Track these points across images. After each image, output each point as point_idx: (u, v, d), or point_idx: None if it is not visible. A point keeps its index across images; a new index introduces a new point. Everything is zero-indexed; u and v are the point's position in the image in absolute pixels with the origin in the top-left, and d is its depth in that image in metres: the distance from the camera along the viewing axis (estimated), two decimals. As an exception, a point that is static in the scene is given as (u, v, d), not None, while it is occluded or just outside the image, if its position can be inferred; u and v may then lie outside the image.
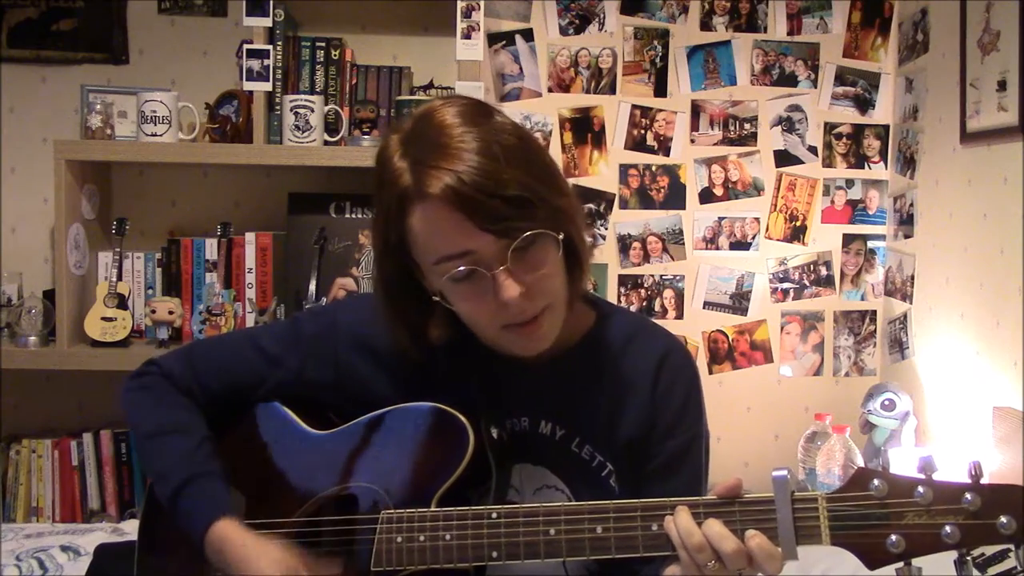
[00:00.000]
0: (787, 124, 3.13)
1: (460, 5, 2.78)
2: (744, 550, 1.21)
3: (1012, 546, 1.14)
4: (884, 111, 3.13)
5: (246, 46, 2.77)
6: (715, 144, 3.13)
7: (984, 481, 1.14)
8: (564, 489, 1.48)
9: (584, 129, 3.09)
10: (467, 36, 2.80)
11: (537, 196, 1.31)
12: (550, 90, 3.09)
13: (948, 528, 1.13)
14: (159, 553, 1.60)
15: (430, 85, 2.96)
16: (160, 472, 1.50)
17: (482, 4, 2.80)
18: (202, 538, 1.43)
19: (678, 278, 3.14)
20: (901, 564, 1.16)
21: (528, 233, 1.31)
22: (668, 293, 3.14)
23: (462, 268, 1.31)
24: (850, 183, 3.15)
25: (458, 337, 1.49)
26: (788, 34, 3.12)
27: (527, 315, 1.35)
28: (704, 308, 3.15)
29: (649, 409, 1.47)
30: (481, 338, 1.44)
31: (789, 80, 3.13)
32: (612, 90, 3.11)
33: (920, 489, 1.15)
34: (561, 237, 1.34)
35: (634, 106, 3.11)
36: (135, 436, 1.58)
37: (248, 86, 2.78)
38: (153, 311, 2.80)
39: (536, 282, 1.33)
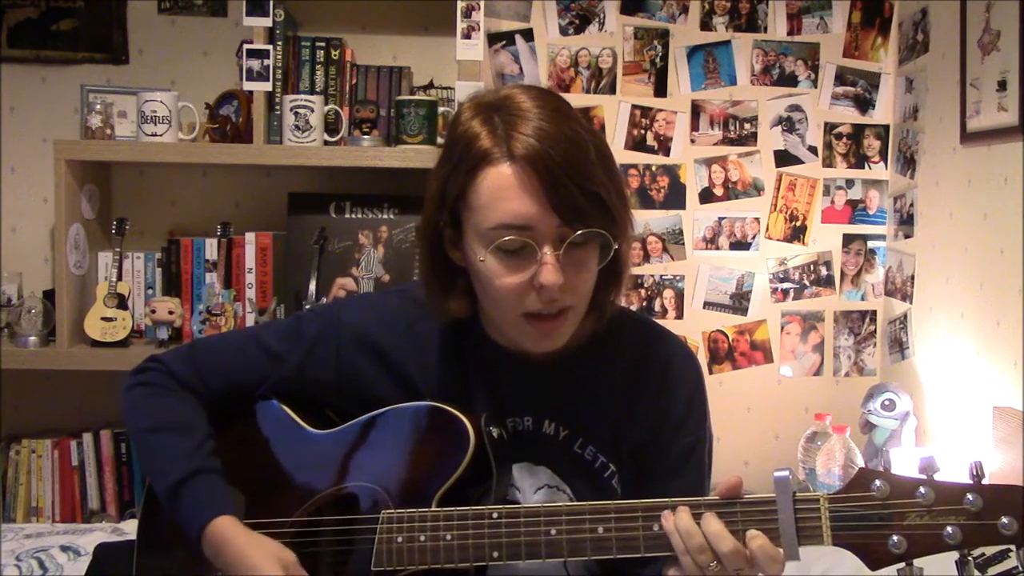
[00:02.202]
0: (787, 124, 3.13)
1: (460, 5, 2.78)
2: (742, 550, 1.21)
3: (1013, 546, 1.14)
4: (884, 111, 3.13)
5: (246, 46, 2.77)
6: (715, 144, 3.13)
7: (985, 481, 1.14)
8: (566, 489, 1.49)
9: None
10: (467, 36, 2.80)
11: (611, 201, 1.33)
12: (550, 90, 3.08)
13: (950, 529, 1.13)
14: (158, 552, 1.60)
15: (430, 85, 2.96)
16: (160, 468, 1.50)
17: (482, 4, 2.79)
18: (199, 535, 1.43)
19: (678, 278, 3.14)
20: (903, 564, 1.17)
21: (591, 230, 1.32)
22: (668, 293, 3.14)
23: (516, 238, 1.31)
24: (850, 183, 3.14)
25: (466, 332, 1.49)
26: (788, 34, 3.12)
27: (554, 307, 1.35)
28: (704, 308, 3.15)
29: (654, 412, 1.47)
30: (497, 322, 1.44)
31: (789, 80, 3.13)
32: (612, 90, 3.11)
33: (922, 490, 1.15)
34: (615, 248, 1.35)
35: (634, 106, 3.11)
36: (134, 431, 1.57)
37: (248, 86, 2.77)
38: (153, 311, 2.79)
39: (574, 279, 1.34)
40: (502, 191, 1.31)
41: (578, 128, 1.34)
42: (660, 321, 2.89)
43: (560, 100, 1.39)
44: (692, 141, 3.12)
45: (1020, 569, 1.19)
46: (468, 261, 1.39)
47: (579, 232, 1.31)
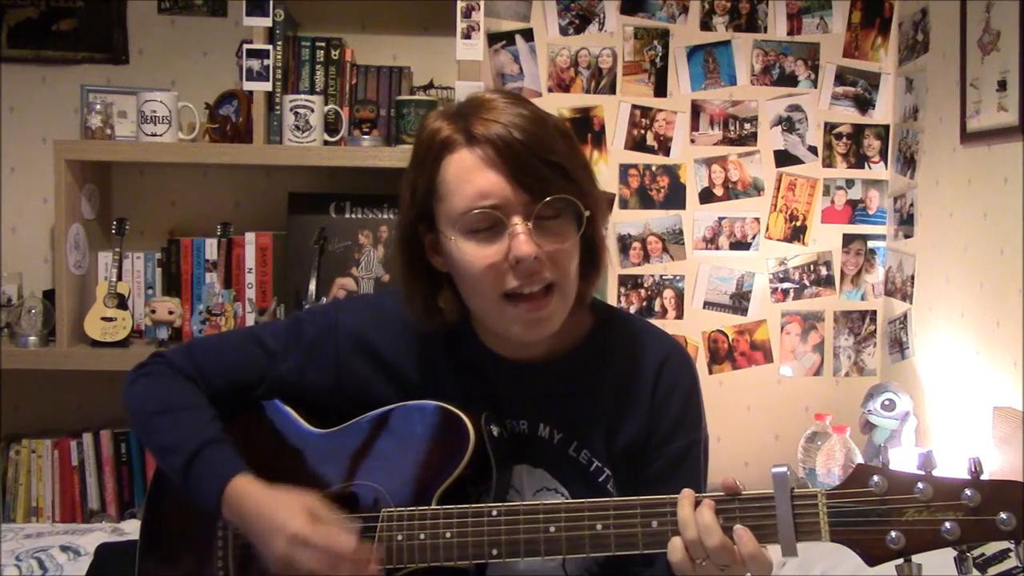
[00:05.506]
0: (787, 124, 3.13)
1: (460, 5, 2.78)
2: (730, 546, 1.21)
3: (1012, 543, 1.14)
4: (884, 111, 3.13)
5: (246, 46, 2.77)
6: (715, 144, 3.13)
7: (984, 477, 1.14)
8: (563, 492, 1.48)
9: (584, 129, 3.09)
10: (467, 36, 2.80)
11: (575, 171, 1.36)
12: (550, 90, 3.09)
13: (948, 524, 1.13)
14: (161, 552, 1.60)
15: (430, 85, 2.96)
16: (170, 444, 1.48)
17: (482, 4, 2.79)
18: (219, 497, 1.41)
19: (678, 278, 3.14)
20: (901, 561, 1.17)
21: (559, 196, 1.33)
22: (668, 293, 3.14)
23: (483, 211, 1.32)
24: (850, 183, 3.14)
25: (460, 338, 1.49)
26: (788, 34, 3.12)
27: (535, 282, 1.35)
28: (704, 308, 3.15)
29: (648, 414, 1.47)
30: (484, 317, 1.43)
31: (789, 80, 3.13)
32: (612, 90, 3.11)
33: (920, 485, 1.15)
34: (587, 215, 1.36)
35: (634, 106, 3.11)
36: (140, 417, 1.55)
37: (248, 86, 2.78)
38: (153, 311, 2.79)
39: (552, 253, 1.34)
40: (466, 172, 1.33)
41: (536, 111, 1.37)
42: (660, 321, 2.90)
43: (519, 95, 1.43)
44: (692, 141, 3.12)
45: (1021, 568, 1.18)
46: (449, 261, 1.39)
47: (547, 199, 1.32)
